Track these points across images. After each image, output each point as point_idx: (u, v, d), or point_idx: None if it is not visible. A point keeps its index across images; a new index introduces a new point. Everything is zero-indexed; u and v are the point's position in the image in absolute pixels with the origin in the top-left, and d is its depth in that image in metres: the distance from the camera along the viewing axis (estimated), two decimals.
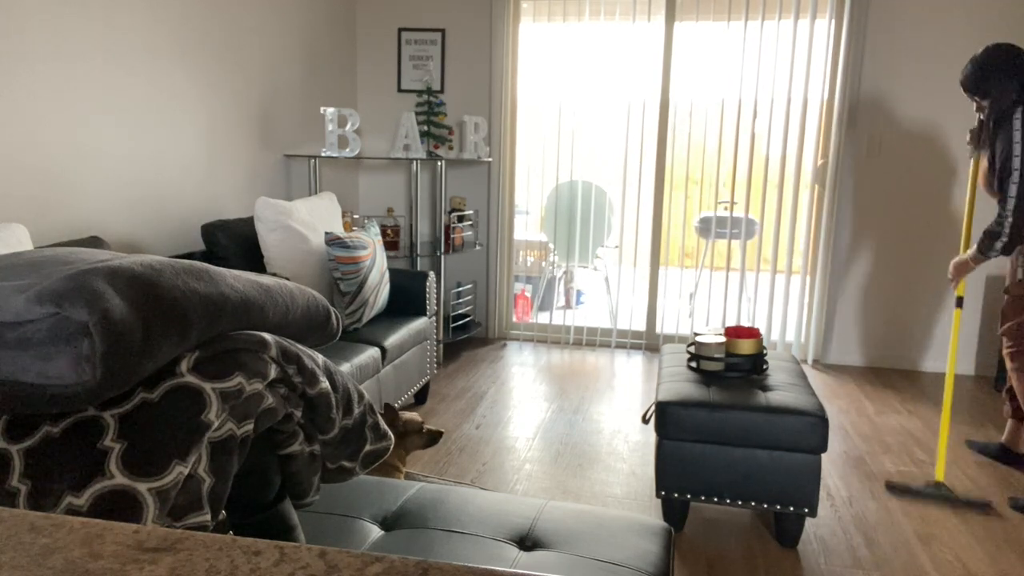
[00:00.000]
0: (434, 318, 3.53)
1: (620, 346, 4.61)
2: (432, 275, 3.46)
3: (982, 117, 2.66)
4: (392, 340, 3.00)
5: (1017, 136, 2.50)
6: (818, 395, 3.45)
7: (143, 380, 0.89)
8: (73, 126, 2.53)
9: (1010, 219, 2.53)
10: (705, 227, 4.63)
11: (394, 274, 3.44)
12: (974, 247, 2.65)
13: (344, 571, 0.47)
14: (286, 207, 2.96)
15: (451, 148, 4.56)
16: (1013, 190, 2.52)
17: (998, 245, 2.58)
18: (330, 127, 3.77)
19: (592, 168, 4.59)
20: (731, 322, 4.63)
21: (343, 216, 3.92)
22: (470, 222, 4.63)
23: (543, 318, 4.86)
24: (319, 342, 1.18)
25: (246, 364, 0.95)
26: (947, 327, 4.12)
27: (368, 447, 1.16)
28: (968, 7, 3.87)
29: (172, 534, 0.51)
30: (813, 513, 2.16)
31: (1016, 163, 2.51)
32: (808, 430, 2.13)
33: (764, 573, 2.09)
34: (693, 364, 2.52)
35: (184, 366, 0.91)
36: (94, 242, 2.35)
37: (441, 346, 4.09)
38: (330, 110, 3.76)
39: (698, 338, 2.51)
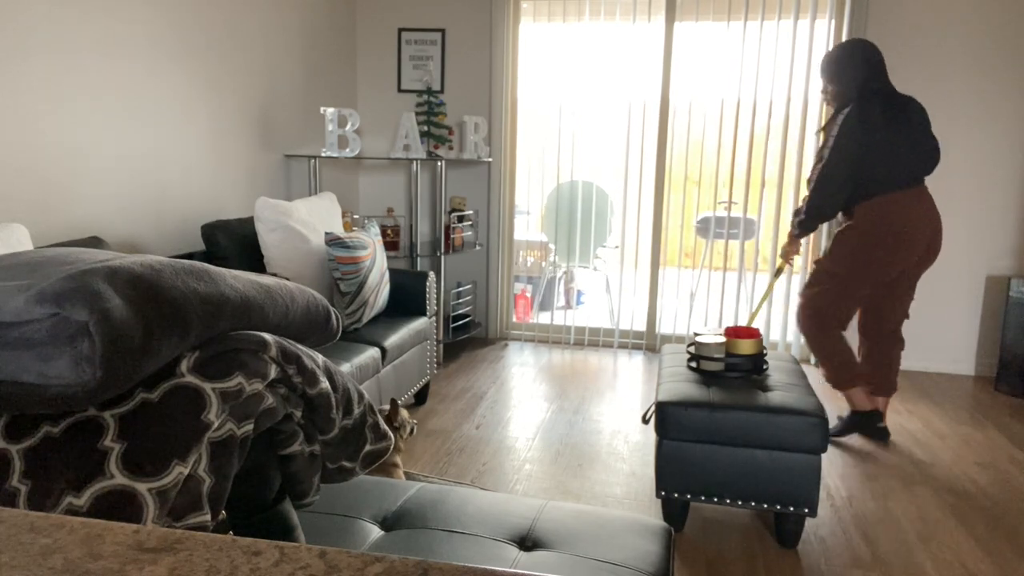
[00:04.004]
0: (434, 318, 3.53)
1: (620, 346, 4.61)
2: (432, 275, 3.46)
3: (827, 102, 3.02)
4: (392, 340, 3.00)
5: (835, 131, 2.84)
6: (818, 395, 3.45)
7: (143, 380, 0.89)
8: (73, 126, 2.53)
9: (810, 199, 2.91)
10: (705, 227, 4.63)
11: (394, 274, 3.44)
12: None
13: (344, 571, 0.47)
14: (286, 207, 2.96)
15: (451, 148, 4.56)
16: (815, 175, 2.88)
17: (795, 221, 3.00)
18: (330, 127, 3.77)
19: (592, 168, 4.59)
20: (731, 322, 4.63)
21: (343, 216, 3.92)
22: (470, 222, 4.63)
23: (543, 318, 4.85)
24: (319, 342, 1.18)
25: (246, 364, 0.95)
26: (946, 327, 4.12)
27: (368, 447, 1.16)
28: (968, 7, 3.87)
29: (172, 534, 0.51)
30: (813, 513, 2.16)
31: (826, 153, 2.85)
32: (808, 430, 2.13)
33: (764, 573, 2.09)
34: (693, 364, 2.52)
35: (184, 366, 0.91)
36: (94, 242, 2.35)
37: (441, 346, 4.09)
38: (330, 110, 3.76)
39: (698, 338, 2.51)
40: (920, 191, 2.87)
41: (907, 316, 3.09)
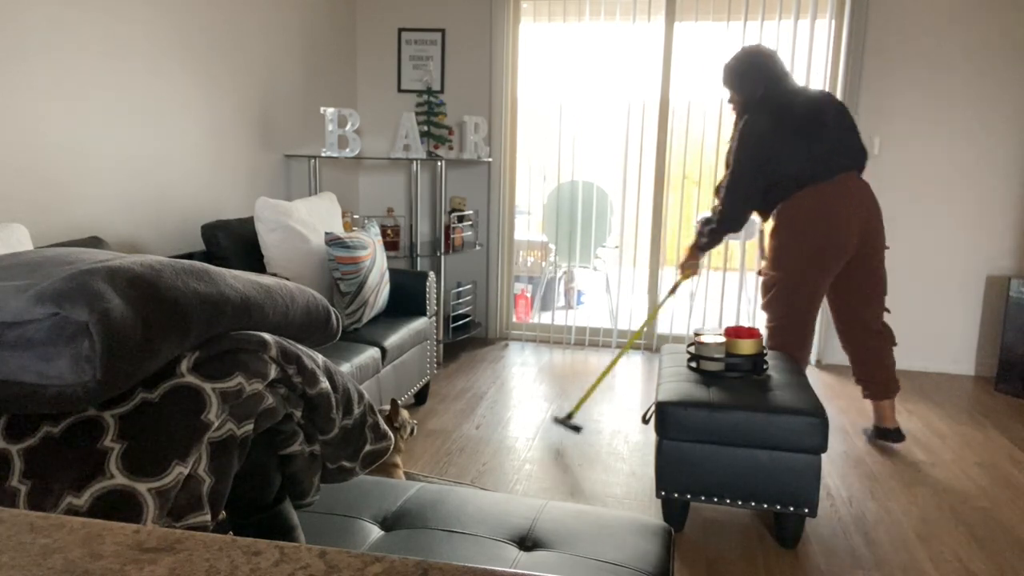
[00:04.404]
0: (434, 318, 3.53)
1: (620, 346, 4.61)
2: (432, 275, 3.46)
3: (733, 109, 3.03)
4: (392, 340, 3.00)
5: (738, 136, 2.88)
6: (818, 395, 3.45)
7: (143, 380, 0.89)
8: (73, 126, 2.53)
9: (720, 208, 2.92)
10: None
11: (394, 274, 3.44)
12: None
13: (344, 571, 0.47)
14: (286, 207, 2.96)
15: (451, 148, 4.56)
16: (726, 181, 2.90)
17: (705, 230, 2.99)
18: (330, 127, 3.77)
19: (592, 168, 4.59)
20: (731, 322, 4.63)
21: (343, 216, 3.92)
22: (470, 222, 4.63)
23: (543, 318, 4.85)
24: (319, 342, 1.18)
25: (246, 364, 0.95)
26: (946, 327, 4.12)
27: (368, 447, 1.16)
28: (967, 7, 3.87)
29: (172, 534, 0.51)
30: (813, 513, 2.16)
31: (731, 159, 2.89)
32: (808, 430, 2.13)
33: (764, 573, 2.09)
34: (693, 364, 2.52)
35: (184, 366, 0.91)
36: (94, 242, 2.35)
37: (441, 346, 4.09)
38: (330, 110, 3.76)
39: (698, 338, 2.51)
40: (840, 182, 2.81)
41: (886, 310, 3.02)
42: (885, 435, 3.05)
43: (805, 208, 2.82)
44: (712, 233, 2.97)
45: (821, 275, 2.86)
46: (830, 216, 2.79)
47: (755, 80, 2.90)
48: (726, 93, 3.04)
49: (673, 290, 3.16)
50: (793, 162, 2.81)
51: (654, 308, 3.17)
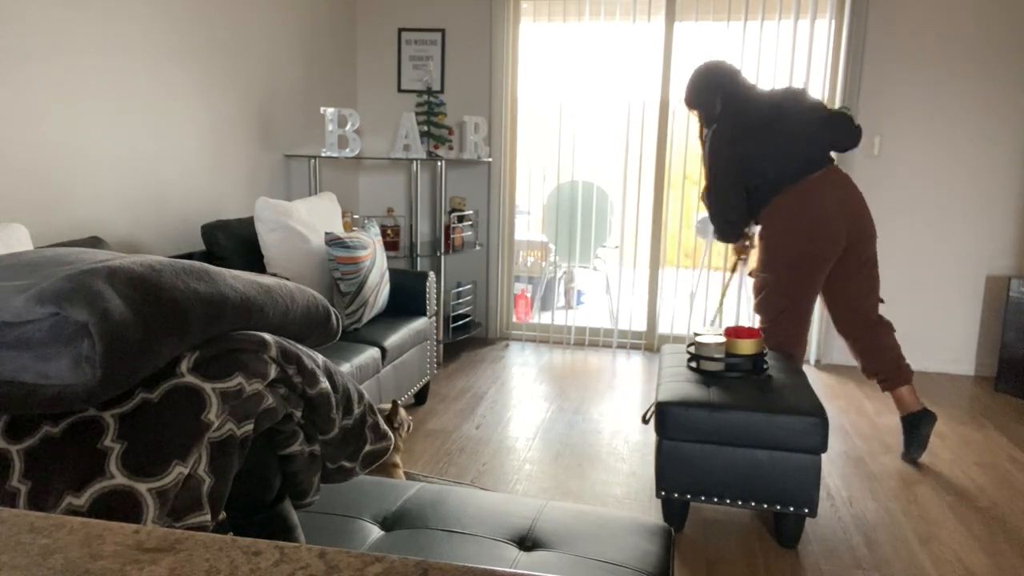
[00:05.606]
0: (434, 318, 3.53)
1: (620, 346, 4.61)
2: (432, 275, 3.46)
3: (700, 125, 3.11)
4: (392, 340, 3.00)
5: (709, 145, 2.95)
6: (818, 395, 3.44)
7: (143, 380, 0.89)
8: (73, 126, 2.53)
9: (710, 216, 2.99)
10: (704, 227, 4.62)
11: (394, 274, 3.44)
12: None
13: (344, 571, 0.47)
14: (286, 207, 2.96)
15: (451, 148, 4.56)
16: (709, 190, 2.98)
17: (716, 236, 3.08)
18: (330, 127, 3.77)
19: (592, 168, 4.59)
20: (731, 322, 4.63)
21: (343, 216, 3.92)
22: (470, 222, 4.63)
23: (544, 318, 4.85)
24: (319, 342, 1.18)
25: (246, 364, 0.95)
26: (946, 327, 4.12)
27: (368, 447, 1.16)
28: (968, 7, 3.87)
29: (172, 534, 0.51)
30: (813, 513, 2.16)
31: (711, 168, 2.94)
32: (808, 430, 2.13)
33: (764, 573, 2.09)
34: (693, 364, 2.52)
35: (184, 366, 0.91)
36: (94, 242, 2.35)
37: (441, 346, 4.09)
38: (330, 110, 3.76)
39: (698, 338, 2.51)
40: (820, 178, 2.81)
41: (881, 300, 2.98)
42: (916, 423, 2.87)
43: (789, 209, 2.83)
44: (721, 238, 3.04)
45: (811, 274, 2.86)
46: (815, 214, 2.80)
47: (713, 94, 2.97)
48: (693, 113, 3.12)
49: (734, 269, 3.30)
50: (767, 163, 2.84)
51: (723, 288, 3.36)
